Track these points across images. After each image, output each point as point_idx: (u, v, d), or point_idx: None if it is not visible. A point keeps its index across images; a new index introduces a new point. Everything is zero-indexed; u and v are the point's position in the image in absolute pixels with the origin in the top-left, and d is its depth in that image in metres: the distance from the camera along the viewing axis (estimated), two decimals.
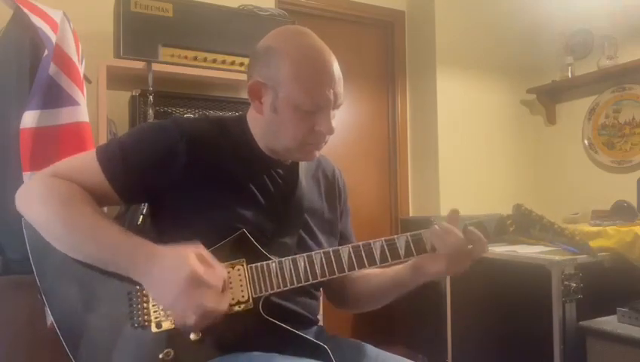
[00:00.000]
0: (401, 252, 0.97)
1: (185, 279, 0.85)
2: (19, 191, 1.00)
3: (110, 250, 0.92)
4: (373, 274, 1.16)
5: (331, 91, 0.98)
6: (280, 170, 1.09)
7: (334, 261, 0.96)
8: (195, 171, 0.99)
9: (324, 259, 0.96)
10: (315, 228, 1.10)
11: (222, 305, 0.88)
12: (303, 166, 1.14)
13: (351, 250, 0.97)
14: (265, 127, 1.04)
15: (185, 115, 2.08)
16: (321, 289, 1.15)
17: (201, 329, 0.90)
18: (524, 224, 1.01)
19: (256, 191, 1.03)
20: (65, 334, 0.93)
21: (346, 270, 0.96)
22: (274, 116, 1.00)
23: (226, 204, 1.00)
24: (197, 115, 2.07)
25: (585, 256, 2.01)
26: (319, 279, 0.96)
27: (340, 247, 0.98)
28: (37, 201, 0.96)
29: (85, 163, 0.99)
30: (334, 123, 1.02)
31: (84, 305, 0.94)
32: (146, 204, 1.16)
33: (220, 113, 2.14)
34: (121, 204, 1.11)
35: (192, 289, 0.85)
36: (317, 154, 1.07)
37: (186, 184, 0.98)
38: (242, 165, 1.04)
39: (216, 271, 0.89)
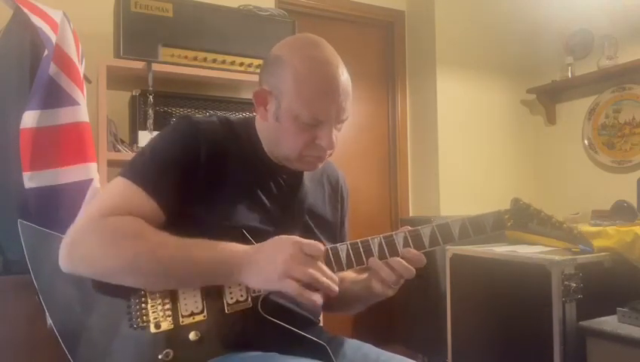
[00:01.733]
0: (400, 248, 0.97)
1: (291, 244, 0.88)
2: (65, 251, 0.91)
3: (209, 264, 0.90)
4: (349, 281, 1.16)
5: (333, 106, 0.97)
6: (284, 175, 1.09)
7: (332, 258, 0.96)
8: (211, 173, 0.99)
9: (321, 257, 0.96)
10: (317, 232, 1.10)
11: (327, 274, 0.89)
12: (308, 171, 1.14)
13: (349, 246, 0.96)
14: (268, 134, 1.05)
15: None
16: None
17: (311, 300, 0.87)
18: (521, 218, 1.00)
19: (261, 194, 1.04)
20: (64, 336, 0.93)
21: (345, 267, 0.96)
22: (276, 125, 1.00)
23: (229, 206, 1.00)
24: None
25: (585, 255, 2.02)
26: None
27: (337, 244, 0.97)
28: (109, 249, 0.89)
29: (126, 191, 0.94)
30: (335, 137, 1.01)
31: (83, 308, 0.94)
32: None
33: (219, 113, 2.14)
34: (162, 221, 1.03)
35: (300, 253, 0.87)
36: (319, 166, 1.07)
37: (202, 186, 0.98)
38: (248, 169, 1.04)
39: (316, 247, 0.90)
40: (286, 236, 0.91)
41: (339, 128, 1.02)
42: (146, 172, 0.95)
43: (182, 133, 1.01)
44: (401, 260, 0.94)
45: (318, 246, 0.90)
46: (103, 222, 0.90)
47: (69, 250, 0.90)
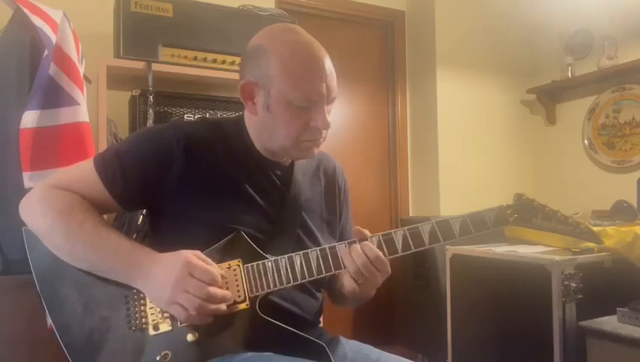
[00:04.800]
0: (399, 246, 0.96)
1: (181, 267, 0.88)
2: (22, 202, 1.01)
3: (109, 258, 0.93)
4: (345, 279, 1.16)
5: (323, 85, 0.98)
6: (278, 171, 1.09)
7: (331, 258, 0.96)
8: (192, 175, 0.99)
9: (320, 256, 0.96)
10: (313, 228, 1.10)
11: (218, 299, 0.89)
12: (302, 165, 1.13)
13: (347, 245, 0.96)
14: (260, 128, 1.04)
15: (186, 117, 2.07)
16: (322, 289, 1.14)
17: (201, 321, 0.90)
18: (525, 213, 0.99)
19: (253, 192, 1.03)
20: (64, 337, 0.93)
21: (343, 266, 0.96)
22: (268, 115, 1.00)
23: (223, 206, 1.00)
24: (195, 118, 2.06)
25: (585, 255, 2.02)
26: (315, 276, 0.96)
27: (336, 244, 0.98)
28: (38, 213, 0.97)
29: (84, 172, 1.00)
30: (330, 117, 1.01)
31: (83, 309, 0.94)
32: None
33: (219, 113, 2.14)
34: (121, 211, 1.11)
35: (188, 278, 0.88)
36: (316, 151, 1.06)
37: (183, 188, 0.98)
38: (239, 167, 1.04)
39: (213, 267, 0.91)
40: (183, 254, 0.90)
41: (329, 110, 1.02)
42: (107, 163, 0.99)
43: (155, 134, 1.04)
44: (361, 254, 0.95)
45: (209, 270, 0.89)
46: (47, 190, 0.99)
47: (22, 203, 1.01)
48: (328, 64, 1.00)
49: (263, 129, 1.03)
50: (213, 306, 0.89)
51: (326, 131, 1.02)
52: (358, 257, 0.94)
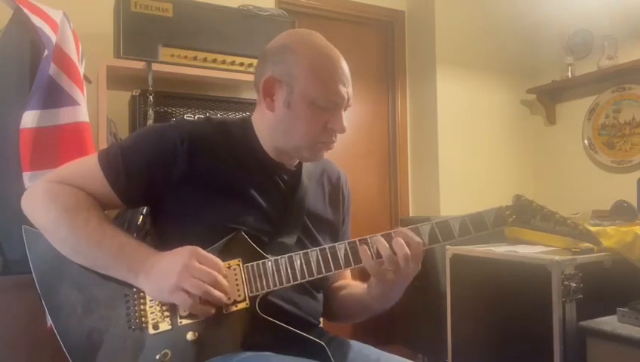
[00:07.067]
0: None
1: (188, 254, 0.89)
2: (24, 196, 1.01)
3: (113, 254, 0.93)
4: (352, 288, 1.16)
5: (345, 90, 1.01)
6: (285, 176, 1.09)
7: (331, 257, 0.96)
8: (195, 175, 0.99)
9: (320, 256, 0.96)
10: (315, 232, 1.10)
11: (223, 287, 0.90)
12: (307, 170, 1.13)
13: (347, 245, 0.97)
14: (275, 126, 1.04)
15: (186, 117, 2.07)
16: (321, 291, 1.14)
17: (204, 313, 0.90)
18: (524, 214, 1.00)
19: (255, 194, 1.03)
20: (63, 336, 0.93)
21: (343, 266, 0.96)
22: (287, 113, 1.01)
23: (224, 206, 1.00)
24: (199, 117, 2.07)
25: (585, 255, 2.02)
26: (315, 276, 0.96)
27: (336, 244, 0.98)
28: (41, 207, 0.97)
29: (88, 168, 1.00)
30: (345, 123, 1.03)
31: (83, 308, 0.94)
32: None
33: (219, 113, 2.14)
34: (124, 208, 1.12)
35: (195, 264, 0.89)
36: (325, 154, 1.08)
37: (185, 187, 0.99)
38: (243, 169, 1.04)
39: (213, 261, 0.91)
40: (188, 246, 0.92)
41: (345, 114, 1.04)
42: (111, 159, 0.99)
43: (159, 132, 1.03)
44: (398, 239, 0.94)
45: (215, 259, 0.91)
46: (50, 185, 0.99)
47: (25, 197, 1.01)
48: (348, 71, 1.03)
49: (279, 127, 1.03)
50: (217, 293, 0.89)
51: (338, 135, 1.05)
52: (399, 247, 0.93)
